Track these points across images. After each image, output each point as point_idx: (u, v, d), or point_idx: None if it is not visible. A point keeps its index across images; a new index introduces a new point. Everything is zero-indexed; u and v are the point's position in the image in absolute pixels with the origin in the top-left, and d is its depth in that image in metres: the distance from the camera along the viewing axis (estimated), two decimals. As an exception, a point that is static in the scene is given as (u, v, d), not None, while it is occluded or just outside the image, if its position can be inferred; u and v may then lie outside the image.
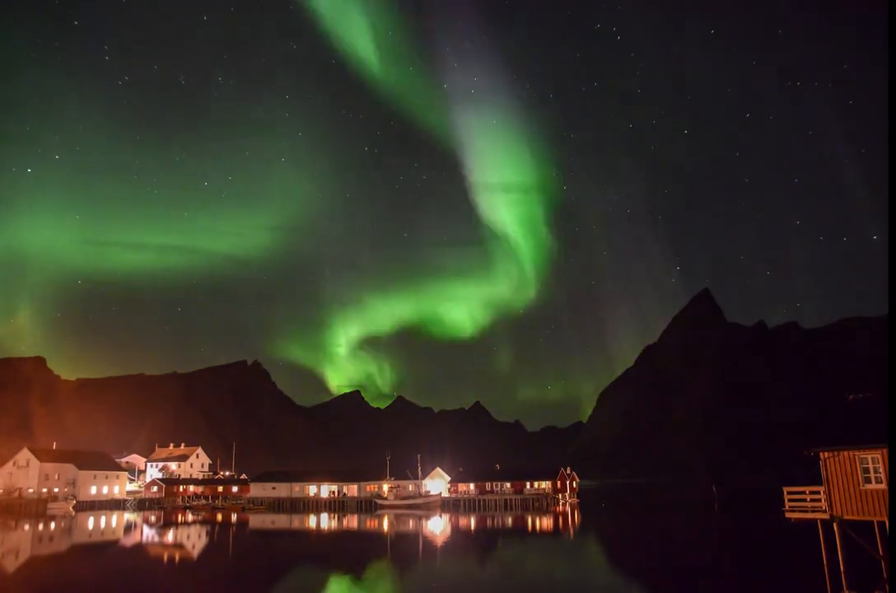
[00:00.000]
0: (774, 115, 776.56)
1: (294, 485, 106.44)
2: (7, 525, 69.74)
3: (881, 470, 23.45)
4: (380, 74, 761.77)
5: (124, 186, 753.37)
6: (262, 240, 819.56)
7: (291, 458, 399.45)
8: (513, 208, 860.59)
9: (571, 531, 55.49)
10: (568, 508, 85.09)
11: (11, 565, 36.28)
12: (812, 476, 29.02)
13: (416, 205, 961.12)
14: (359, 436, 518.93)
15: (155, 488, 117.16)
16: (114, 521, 77.34)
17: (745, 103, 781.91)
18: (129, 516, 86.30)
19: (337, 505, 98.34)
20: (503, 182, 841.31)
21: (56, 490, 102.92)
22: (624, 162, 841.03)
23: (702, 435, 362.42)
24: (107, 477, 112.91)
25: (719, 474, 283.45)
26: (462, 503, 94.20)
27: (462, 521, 67.43)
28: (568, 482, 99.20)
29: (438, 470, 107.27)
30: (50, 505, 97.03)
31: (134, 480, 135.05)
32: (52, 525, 70.84)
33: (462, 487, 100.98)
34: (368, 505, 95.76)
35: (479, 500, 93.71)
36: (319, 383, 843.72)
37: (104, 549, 48.36)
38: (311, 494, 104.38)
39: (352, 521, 71.85)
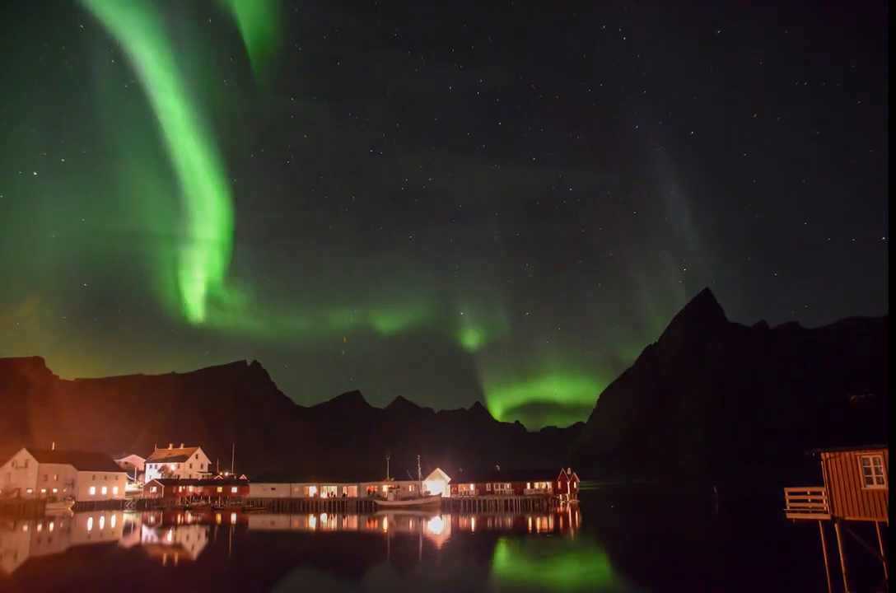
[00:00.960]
0: (781, 115, 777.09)
1: (294, 486, 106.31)
2: (6, 526, 69.58)
3: (882, 470, 23.39)
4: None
5: (131, 189, 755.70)
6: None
7: (291, 459, 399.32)
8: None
9: (572, 532, 55.38)
10: (568, 509, 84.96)
11: (10, 566, 36.16)
12: (813, 476, 28.94)
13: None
14: (358, 437, 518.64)
15: (154, 489, 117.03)
16: (113, 522, 77.20)
17: (752, 103, 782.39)
18: (128, 517, 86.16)
19: (336, 506, 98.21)
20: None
21: (55, 490, 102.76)
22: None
23: (702, 435, 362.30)
24: (106, 478, 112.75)
25: (720, 474, 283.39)
26: (462, 504, 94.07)
27: (462, 522, 67.33)
28: (568, 483, 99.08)
29: (438, 470, 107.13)
30: (48, 505, 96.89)
31: (133, 481, 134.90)
32: (51, 525, 70.70)
33: (462, 488, 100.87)
34: (368, 506, 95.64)
35: (479, 501, 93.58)
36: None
37: (103, 550, 48.23)
38: (311, 495, 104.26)
39: (351, 522, 71.74)
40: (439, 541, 49.14)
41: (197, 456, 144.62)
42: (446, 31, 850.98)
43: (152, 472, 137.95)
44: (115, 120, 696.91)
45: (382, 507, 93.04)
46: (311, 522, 73.65)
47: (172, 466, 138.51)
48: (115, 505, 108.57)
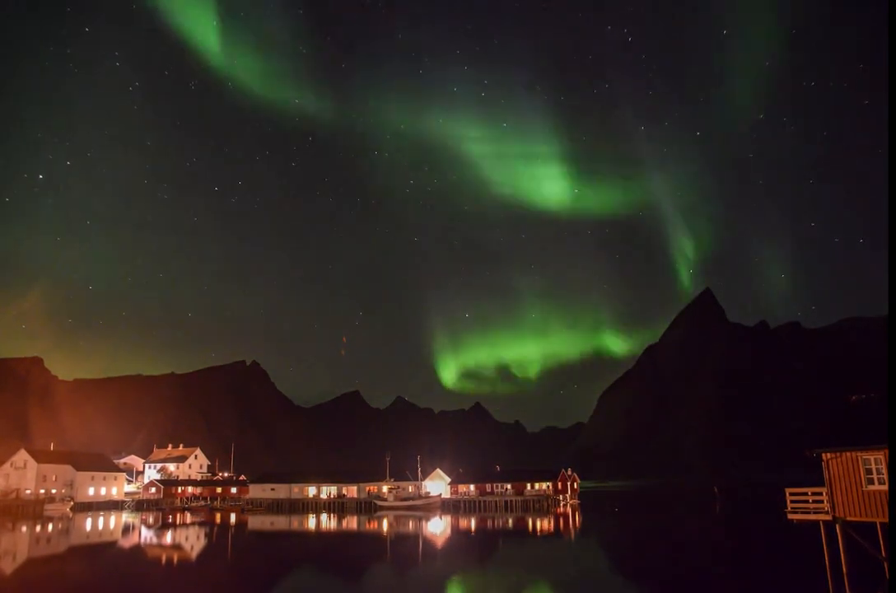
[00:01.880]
0: (788, 115, 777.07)
1: (293, 486, 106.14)
2: (4, 526, 69.40)
3: (884, 470, 23.28)
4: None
5: (134, 191, 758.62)
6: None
7: (290, 459, 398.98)
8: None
9: (572, 532, 55.27)
10: (569, 509, 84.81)
11: (9, 567, 36.03)
12: (815, 477, 28.86)
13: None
14: (358, 437, 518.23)
15: (153, 489, 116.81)
16: (112, 523, 77.04)
17: (759, 104, 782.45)
18: (127, 517, 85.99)
19: (336, 507, 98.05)
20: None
21: (53, 491, 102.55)
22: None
23: (703, 435, 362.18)
24: (105, 479, 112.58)
25: (720, 475, 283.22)
26: (462, 504, 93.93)
27: (462, 523, 67.19)
28: (569, 483, 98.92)
29: (438, 471, 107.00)
30: (47, 506, 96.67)
31: (132, 481, 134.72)
32: (50, 526, 70.53)
33: (462, 488, 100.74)
34: (368, 507, 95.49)
35: (479, 502, 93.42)
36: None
37: (102, 551, 48.08)
38: (311, 495, 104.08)
39: (351, 523, 71.60)
40: (439, 542, 49.02)
41: (196, 457, 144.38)
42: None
43: (151, 473, 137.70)
44: (120, 122, 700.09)
45: (382, 508, 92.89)
46: (311, 523, 73.50)
47: (171, 467, 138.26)
48: (113, 506, 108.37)
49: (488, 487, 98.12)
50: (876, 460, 23.57)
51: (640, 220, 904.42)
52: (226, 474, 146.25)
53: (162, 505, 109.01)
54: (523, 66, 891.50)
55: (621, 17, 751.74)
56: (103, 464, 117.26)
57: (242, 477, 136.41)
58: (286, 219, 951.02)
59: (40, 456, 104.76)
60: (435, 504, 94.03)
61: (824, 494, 25.69)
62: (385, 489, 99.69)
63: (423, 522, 68.68)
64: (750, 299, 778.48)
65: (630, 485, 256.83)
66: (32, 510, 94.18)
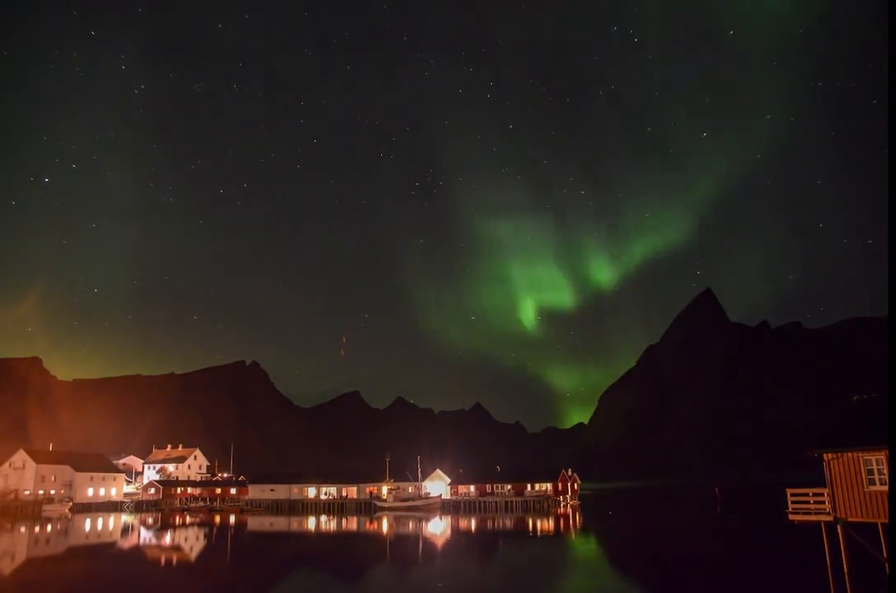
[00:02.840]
0: (795, 115, 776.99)
1: (293, 487, 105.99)
2: (3, 527, 69.26)
3: (885, 471, 23.17)
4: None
5: (140, 194, 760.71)
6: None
7: (290, 460, 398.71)
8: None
9: (573, 533, 55.14)
10: (569, 510, 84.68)
11: (7, 568, 35.91)
12: (816, 477, 28.75)
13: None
14: (358, 437, 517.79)
15: (152, 490, 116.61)
16: (111, 523, 76.90)
17: (766, 104, 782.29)
18: (126, 518, 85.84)
19: (336, 507, 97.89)
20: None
21: (52, 492, 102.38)
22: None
23: (704, 436, 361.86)
24: (104, 479, 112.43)
25: (721, 475, 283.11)
26: (462, 505, 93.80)
27: (462, 523, 67.07)
28: (569, 484, 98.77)
29: (438, 471, 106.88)
30: (46, 507, 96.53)
31: (131, 482, 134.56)
32: (49, 527, 70.40)
33: (462, 489, 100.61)
34: (368, 507, 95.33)
35: (479, 502, 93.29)
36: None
37: (101, 552, 47.94)
38: (310, 496, 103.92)
39: (351, 523, 71.45)
40: (439, 543, 48.90)
41: (195, 457, 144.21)
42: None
43: (150, 473, 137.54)
44: (125, 125, 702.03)
45: (382, 509, 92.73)
46: (311, 524, 73.36)
47: (171, 467, 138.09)
48: (112, 507, 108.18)
49: (488, 488, 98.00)
50: (877, 460, 23.47)
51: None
52: (225, 475, 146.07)
53: (161, 505, 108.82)
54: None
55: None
56: (102, 465, 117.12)
57: (242, 478, 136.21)
58: (289, 220, 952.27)
59: (39, 457, 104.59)
60: (435, 504, 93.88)
61: (825, 495, 25.58)
62: (385, 490, 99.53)
63: (423, 523, 68.55)
64: (751, 299, 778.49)
65: (631, 486, 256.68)
66: (31, 511, 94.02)
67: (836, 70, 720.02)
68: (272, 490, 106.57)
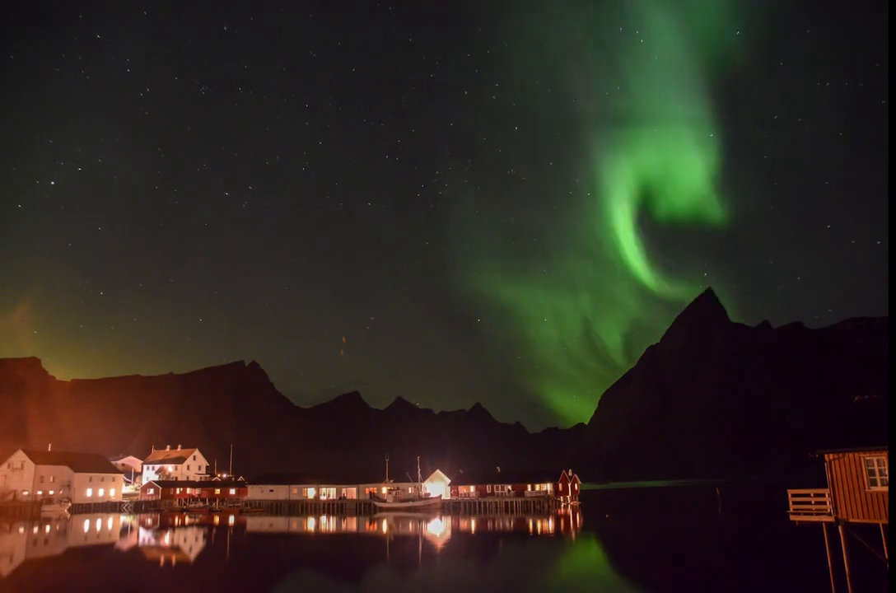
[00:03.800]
0: (803, 116, 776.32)
1: (292, 488, 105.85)
2: (1, 528, 69.11)
3: (886, 472, 23.08)
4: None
5: (144, 197, 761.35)
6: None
7: (290, 460, 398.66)
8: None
9: (573, 534, 55.03)
10: (570, 511, 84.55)
11: (6, 569, 35.78)
12: (817, 478, 28.67)
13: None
14: (358, 438, 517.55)
15: (151, 490, 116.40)
16: (110, 524, 76.72)
17: (774, 105, 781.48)
18: (125, 519, 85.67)
19: (335, 508, 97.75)
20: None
21: (51, 492, 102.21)
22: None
23: (705, 436, 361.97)
24: (102, 480, 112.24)
25: (722, 476, 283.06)
26: (462, 505, 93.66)
27: (462, 524, 66.94)
28: (570, 484, 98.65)
29: (438, 472, 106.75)
30: (44, 507, 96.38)
31: (130, 482, 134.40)
32: (47, 528, 70.24)
33: (462, 489, 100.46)
34: (367, 508, 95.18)
35: (479, 503, 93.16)
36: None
37: (100, 552, 47.80)
38: (310, 497, 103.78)
39: (350, 524, 71.32)
40: (439, 544, 48.78)
41: (195, 458, 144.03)
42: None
43: (149, 474, 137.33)
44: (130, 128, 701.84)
45: (382, 509, 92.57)
46: (310, 524, 73.23)
47: (170, 468, 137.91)
48: (111, 508, 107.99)
49: (488, 488, 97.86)
50: (879, 461, 23.38)
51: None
52: (224, 475, 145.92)
53: (160, 506, 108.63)
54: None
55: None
56: (101, 465, 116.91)
57: (241, 479, 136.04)
58: (291, 222, 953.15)
59: (38, 458, 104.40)
60: (435, 505, 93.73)
61: (826, 495, 25.49)
62: (385, 490, 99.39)
63: (423, 524, 68.42)
64: (751, 299, 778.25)
65: (631, 486, 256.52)
66: (30, 511, 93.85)
67: (845, 71, 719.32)
68: (271, 490, 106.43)
